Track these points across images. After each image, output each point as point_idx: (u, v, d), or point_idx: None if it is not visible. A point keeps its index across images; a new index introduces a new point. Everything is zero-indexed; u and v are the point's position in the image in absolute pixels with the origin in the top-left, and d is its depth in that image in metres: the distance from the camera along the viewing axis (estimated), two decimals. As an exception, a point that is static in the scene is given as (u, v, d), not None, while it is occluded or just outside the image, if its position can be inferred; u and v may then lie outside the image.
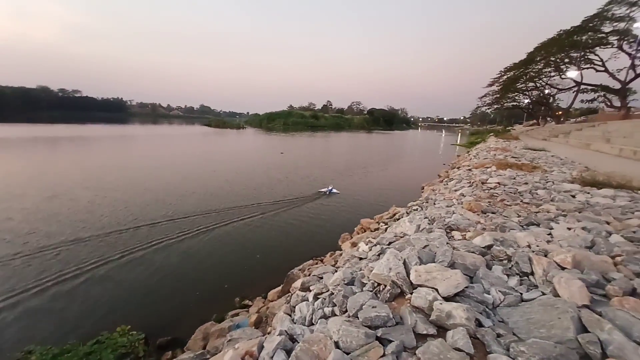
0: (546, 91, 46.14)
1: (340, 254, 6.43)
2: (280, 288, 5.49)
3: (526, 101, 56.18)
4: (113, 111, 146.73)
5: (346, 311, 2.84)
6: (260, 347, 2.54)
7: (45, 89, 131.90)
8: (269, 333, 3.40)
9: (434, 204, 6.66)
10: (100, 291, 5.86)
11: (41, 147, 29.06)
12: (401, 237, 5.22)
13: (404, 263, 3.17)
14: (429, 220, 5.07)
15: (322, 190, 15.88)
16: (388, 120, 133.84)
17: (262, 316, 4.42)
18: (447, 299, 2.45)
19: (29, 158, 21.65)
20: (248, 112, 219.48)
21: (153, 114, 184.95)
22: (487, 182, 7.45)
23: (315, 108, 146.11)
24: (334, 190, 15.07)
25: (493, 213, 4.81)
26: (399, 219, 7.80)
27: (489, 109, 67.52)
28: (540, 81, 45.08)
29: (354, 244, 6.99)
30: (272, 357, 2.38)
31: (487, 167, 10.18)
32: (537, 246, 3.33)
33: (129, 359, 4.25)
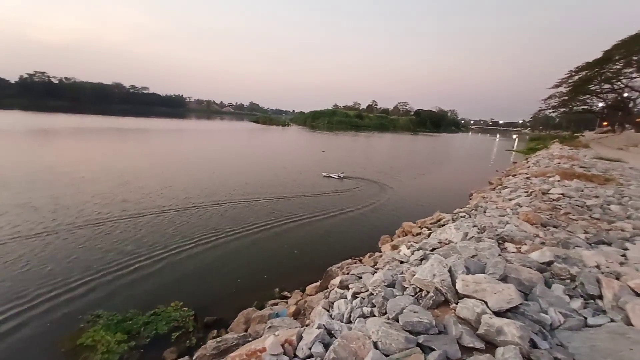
0: (625, 94, 40.23)
1: (380, 256, 6.34)
2: (318, 283, 5.60)
3: (600, 105, 49.51)
4: (174, 106, 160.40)
5: (385, 313, 2.82)
6: (299, 337, 2.62)
7: (119, 85, 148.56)
8: (307, 325, 3.50)
9: (485, 212, 6.25)
10: (159, 269, 6.51)
11: (117, 136, 32.93)
12: (446, 243, 5.00)
13: (450, 271, 3.04)
14: (479, 228, 4.78)
15: (333, 176, 17.74)
16: (435, 122, 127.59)
17: (300, 308, 4.55)
18: (497, 313, 2.31)
19: (108, 146, 24.64)
20: (294, 110, 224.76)
21: (208, 110, 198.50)
22: (549, 192, 6.78)
23: (360, 107, 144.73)
24: (341, 176, 17.19)
25: (555, 227, 4.37)
26: (443, 225, 7.46)
27: (554, 112, 60.59)
28: (619, 83, 39.41)
29: (395, 247, 6.85)
30: (310, 348, 2.45)
31: (550, 177, 9.25)
32: (608, 267, 2.98)
33: (180, 332, 4.68)
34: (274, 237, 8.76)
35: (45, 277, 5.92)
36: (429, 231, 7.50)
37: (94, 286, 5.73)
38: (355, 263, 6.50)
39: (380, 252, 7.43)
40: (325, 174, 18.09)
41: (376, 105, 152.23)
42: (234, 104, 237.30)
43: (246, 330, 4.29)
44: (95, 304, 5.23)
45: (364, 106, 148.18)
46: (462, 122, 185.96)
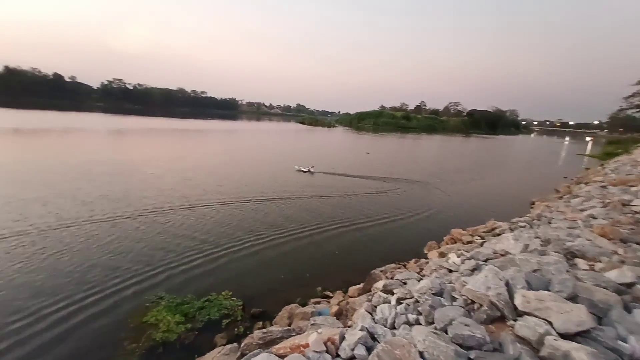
0: None
1: (427, 262, 6.09)
2: (361, 286, 5.56)
3: None
4: (228, 109, 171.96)
5: (432, 322, 2.71)
6: (342, 337, 2.64)
7: (182, 90, 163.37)
8: (349, 326, 3.51)
9: (549, 223, 5.65)
10: (213, 259, 7.05)
11: (180, 136, 36.31)
12: (502, 254, 4.62)
13: (507, 284, 2.81)
14: (542, 241, 4.34)
15: (303, 169, 18.06)
16: (491, 123, 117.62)
17: (342, 309, 4.57)
18: (564, 336, 2.08)
19: (172, 145, 27.30)
20: (339, 111, 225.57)
21: (257, 111, 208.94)
22: (631, 204, 5.88)
23: (408, 109, 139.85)
24: (312, 170, 17.48)
25: (638, 244, 3.79)
26: (499, 234, 6.90)
27: (638, 112, 52.04)
28: None
29: (443, 254, 6.52)
30: (352, 350, 2.46)
31: (632, 186, 8.01)
32: None
33: (230, 319, 5.01)
34: (318, 237, 8.91)
35: (119, 257, 6.77)
36: (482, 240, 7.00)
37: (158, 270, 6.40)
38: (399, 268, 6.33)
39: (427, 258, 7.12)
40: (297, 168, 18.78)
41: (424, 106, 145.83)
42: (282, 105, 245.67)
43: (290, 325, 4.43)
44: (159, 286, 5.84)
45: (411, 107, 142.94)
46: (524, 122, 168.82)
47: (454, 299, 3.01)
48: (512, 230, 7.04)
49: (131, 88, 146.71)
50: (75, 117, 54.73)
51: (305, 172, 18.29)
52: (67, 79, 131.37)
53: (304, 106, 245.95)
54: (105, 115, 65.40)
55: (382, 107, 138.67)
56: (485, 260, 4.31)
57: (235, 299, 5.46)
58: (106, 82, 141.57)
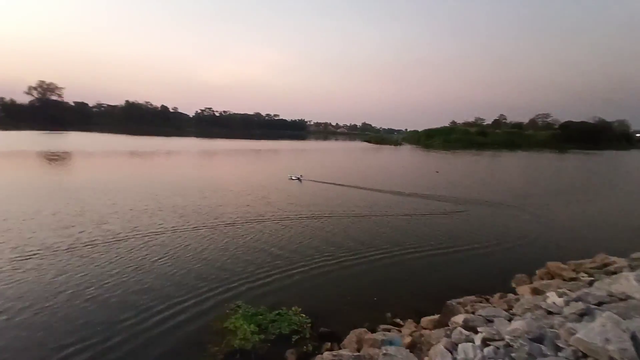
0: None
1: (516, 299, 5.30)
2: (436, 317, 5.11)
3: None
4: (297, 129, 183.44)
5: (531, 373, 2.33)
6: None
7: (258, 114, 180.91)
8: (426, 362, 3.25)
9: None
10: (286, 274, 7.40)
11: (257, 155, 39.98)
12: (622, 299, 3.78)
13: (633, 338, 2.28)
14: (683, 287, 3.42)
15: (293, 178, 19.93)
16: (592, 136, 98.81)
17: (416, 341, 4.26)
18: None
19: (251, 163, 30.17)
20: (406, 129, 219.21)
21: (324, 131, 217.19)
22: None
23: (484, 123, 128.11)
24: (300, 178, 19.30)
25: None
26: (614, 272, 5.67)
27: None
28: None
29: (537, 291, 5.61)
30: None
31: None
32: None
33: (299, 336, 5.11)
34: (387, 260, 8.60)
35: (207, 265, 7.60)
36: (591, 278, 5.83)
37: (237, 279, 6.98)
38: (481, 302, 5.65)
39: (516, 294, 6.21)
40: (289, 176, 20.69)
41: (504, 119, 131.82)
42: (348, 125, 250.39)
43: (359, 350, 4.30)
44: (237, 295, 6.33)
45: (488, 121, 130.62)
46: (638, 135, 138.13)
47: (558, 348, 2.56)
48: (632, 268, 5.72)
49: (218, 115, 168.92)
50: (175, 141, 64.85)
51: (295, 179, 20.39)
52: (170, 110, 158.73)
53: (370, 125, 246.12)
54: (197, 139, 75.88)
55: (453, 122, 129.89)
56: (599, 304, 3.58)
57: (304, 315, 5.58)
58: (199, 111, 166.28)
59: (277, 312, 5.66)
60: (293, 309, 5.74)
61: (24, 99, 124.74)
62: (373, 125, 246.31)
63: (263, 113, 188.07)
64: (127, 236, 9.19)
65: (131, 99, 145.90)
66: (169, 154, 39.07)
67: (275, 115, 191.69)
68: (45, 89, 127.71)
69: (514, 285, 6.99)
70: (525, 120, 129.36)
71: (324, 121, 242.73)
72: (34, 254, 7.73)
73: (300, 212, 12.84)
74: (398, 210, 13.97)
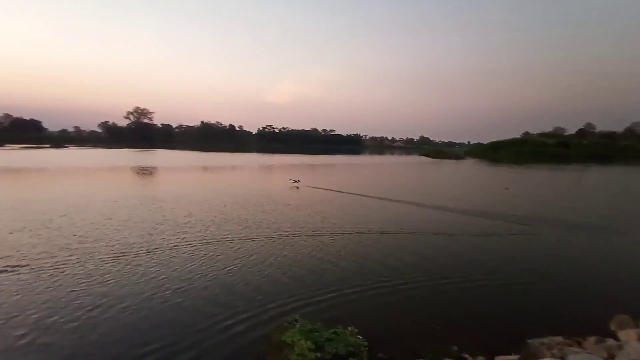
0: None
1: (619, 346, 4.39)
2: (514, 358, 4.49)
3: None
4: (353, 144, 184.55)
5: None
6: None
7: (314, 130, 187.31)
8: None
9: None
10: (343, 291, 7.34)
11: (313, 170, 41.24)
12: None
13: None
14: None
15: (294, 180, 22.47)
16: None
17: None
18: None
19: (307, 177, 31.24)
20: (469, 142, 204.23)
21: (380, 145, 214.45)
22: None
23: (565, 133, 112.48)
24: (298, 182, 21.66)
25: None
26: None
27: None
28: None
29: (649, 340, 4.58)
30: None
31: None
32: None
33: (355, 359, 4.96)
34: (451, 286, 7.92)
35: (268, 275, 7.94)
36: None
37: (298, 293, 7.11)
38: (571, 345, 4.80)
39: (617, 339, 5.15)
40: (290, 181, 22.76)
41: (592, 128, 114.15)
42: (404, 138, 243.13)
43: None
44: (296, 309, 6.43)
45: (570, 131, 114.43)
46: None
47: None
48: None
49: (277, 131, 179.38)
50: (239, 156, 70.47)
51: (296, 182, 22.62)
52: (237, 128, 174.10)
53: (428, 138, 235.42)
54: (258, 155, 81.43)
55: (526, 133, 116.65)
56: None
57: (361, 337, 5.41)
58: (261, 128, 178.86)
59: (333, 330, 5.59)
60: (349, 329, 5.61)
61: (123, 122, 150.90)
62: (431, 139, 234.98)
63: (319, 128, 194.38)
64: (196, 245, 10.13)
65: (205, 120, 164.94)
66: (233, 168, 42.57)
67: (331, 130, 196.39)
68: (140, 113, 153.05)
69: (614, 328, 5.81)
70: (619, 129, 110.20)
71: (379, 135, 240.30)
72: (122, 256, 8.97)
73: (358, 228, 12.70)
74: (464, 230, 12.89)
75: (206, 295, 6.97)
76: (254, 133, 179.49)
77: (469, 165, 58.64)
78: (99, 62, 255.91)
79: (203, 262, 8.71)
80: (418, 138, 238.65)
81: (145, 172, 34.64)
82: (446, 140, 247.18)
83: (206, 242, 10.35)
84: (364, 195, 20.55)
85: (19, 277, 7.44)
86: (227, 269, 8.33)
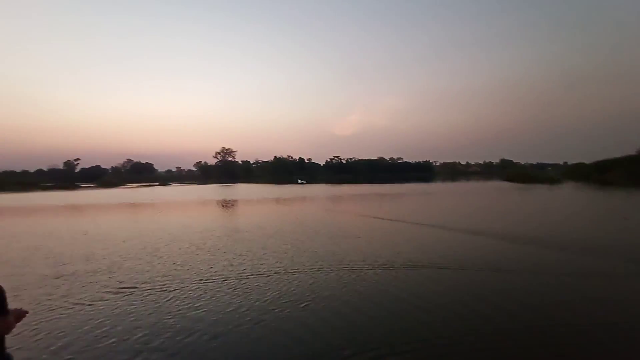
0: None
1: None
2: None
3: None
4: (422, 171, 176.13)
5: None
6: None
7: (381, 158, 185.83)
8: None
9: None
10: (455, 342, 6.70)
11: (383, 198, 40.48)
12: None
13: None
14: None
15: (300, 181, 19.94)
16: None
17: None
18: None
19: (378, 206, 30.75)
20: (565, 162, 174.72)
21: (452, 171, 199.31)
22: None
23: None
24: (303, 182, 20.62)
25: None
26: None
27: None
28: None
29: None
30: None
31: None
32: None
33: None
34: (563, 339, 6.54)
35: (336, 314, 7.77)
36: None
37: (374, 337, 6.62)
38: None
39: None
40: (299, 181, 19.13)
41: None
42: (481, 162, 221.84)
43: None
44: (376, 358, 6.02)
45: None
46: None
47: None
48: None
49: (344, 162, 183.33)
50: (309, 188, 73.56)
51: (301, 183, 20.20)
52: (306, 161, 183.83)
53: (511, 161, 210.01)
54: (326, 186, 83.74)
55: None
56: None
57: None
58: (328, 160, 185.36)
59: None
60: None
61: (212, 161, 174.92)
62: (515, 161, 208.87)
63: (386, 157, 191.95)
64: (272, 275, 10.58)
65: (278, 155, 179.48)
66: (303, 199, 44.45)
67: (398, 158, 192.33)
68: (225, 152, 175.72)
69: None
70: None
71: (451, 160, 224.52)
72: (209, 283, 9.88)
73: (435, 262, 11.65)
74: (565, 269, 10.72)
75: (283, 329, 7.04)
76: (321, 165, 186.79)
77: (570, 190, 49.70)
78: (194, 112, 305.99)
79: (279, 294, 8.98)
80: (498, 161, 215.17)
81: (228, 204, 38.78)
82: (534, 162, 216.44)
83: (282, 273, 10.74)
84: (437, 227, 19.06)
85: (130, 298, 8.79)
86: (302, 303, 8.38)
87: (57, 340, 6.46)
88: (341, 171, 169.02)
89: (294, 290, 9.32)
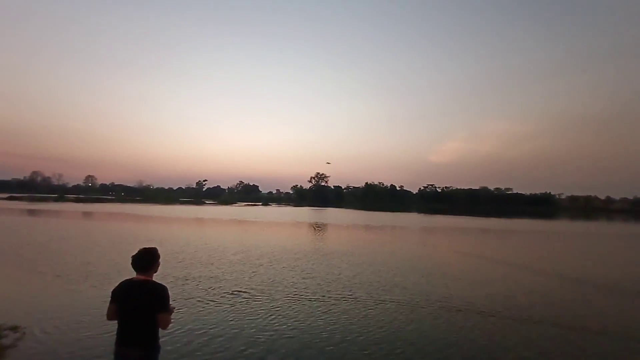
0: None
1: None
2: None
3: None
4: (540, 205, 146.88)
5: None
6: None
7: (484, 189, 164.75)
8: None
9: None
10: None
11: (486, 234, 35.82)
12: None
13: None
14: None
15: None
16: None
17: None
18: None
19: (480, 244, 27.49)
20: None
21: (586, 207, 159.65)
22: None
23: None
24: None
25: None
26: None
27: None
28: None
29: None
30: None
31: None
32: None
33: None
34: None
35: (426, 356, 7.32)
36: None
37: None
38: None
39: None
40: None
41: None
42: (630, 198, 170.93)
43: None
44: None
45: None
46: None
47: None
48: None
49: (440, 191, 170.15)
50: (400, 216, 70.86)
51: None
52: (397, 188, 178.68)
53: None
54: (418, 215, 79.03)
55: None
56: None
57: None
58: (422, 188, 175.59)
59: None
60: None
61: (307, 185, 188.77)
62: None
63: (491, 187, 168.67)
64: (362, 301, 10.71)
65: (369, 181, 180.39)
66: (393, 228, 43.00)
67: (506, 189, 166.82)
68: (319, 178, 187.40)
69: None
70: None
71: (583, 194, 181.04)
72: (297, 300, 10.64)
73: (554, 318, 9.74)
74: None
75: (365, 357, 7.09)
76: (414, 192, 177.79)
77: None
78: (295, 140, 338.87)
79: (365, 322, 9.05)
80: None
81: (319, 227, 40.86)
82: None
83: (374, 302, 10.75)
84: (574, 279, 15.65)
85: (240, 300, 10.28)
86: (389, 334, 8.25)
87: (191, 334, 8.14)
88: (436, 200, 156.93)
89: (379, 322, 9.20)
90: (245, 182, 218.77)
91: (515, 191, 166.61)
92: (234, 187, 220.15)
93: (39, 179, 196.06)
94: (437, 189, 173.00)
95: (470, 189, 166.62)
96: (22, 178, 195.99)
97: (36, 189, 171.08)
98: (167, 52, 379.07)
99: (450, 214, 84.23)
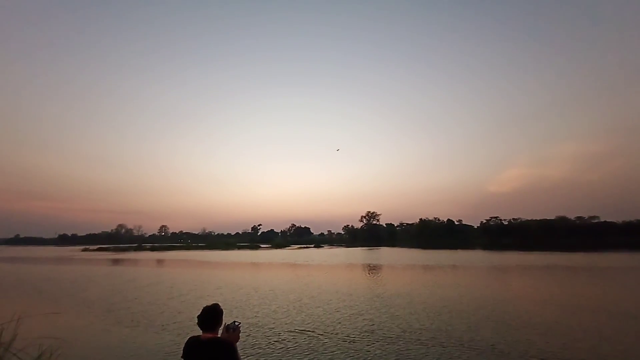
0: None
1: None
2: None
3: None
4: (636, 235, 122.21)
5: None
6: None
7: (562, 218, 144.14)
8: None
9: None
10: None
11: (571, 273, 31.29)
12: None
13: None
14: None
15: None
16: None
17: None
18: None
19: (555, 288, 24.28)
20: None
21: None
22: None
23: None
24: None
25: None
26: None
27: None
28: None
29: None
30: None
31: None
32: None
33: None
34: None
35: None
36: None
37: None
38: None
39: None
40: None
41: None
42: None
43: None
44: None
45: None
46: None
47: None
48: None
49: (506, 223, 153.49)
50: (460, 254, 65.34)
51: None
52: (455, 223, 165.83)
53: None
54: (483, 252, 71.84)
55: None
56: None
57: None
58: (484, 221, 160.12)
59: None
60: None
61: (358, 225, 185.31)
62: None
63: (571, 216, 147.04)
64: (410, 348, 10.45)
65: (423, 217, 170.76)
66: (454, 267, 39.74)
67: (591, 217, 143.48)
68: (370, 216, 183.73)
69: None
70: None
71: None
72: (348, 342, 10.77)
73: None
74: None
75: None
76: (475, 227, 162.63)
77: None
78: (344, 181, 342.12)
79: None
80: None
81: (372, 269, 39.81)
82: None
83: (422, 346, 10.46)
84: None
85: (303, 338, 10.83)
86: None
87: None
88: (502, 234, 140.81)
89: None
90: (297, 224, 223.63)
91: (602, 219, 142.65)
92: (286, 230, 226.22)
93: (123, 231, 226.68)
94: (503, 222, 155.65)
95: (545, 219, 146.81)
96: (109, 231, 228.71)
97: (120, 240, 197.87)
98: (218, 104, 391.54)
99: (521, 249, 75.02)
